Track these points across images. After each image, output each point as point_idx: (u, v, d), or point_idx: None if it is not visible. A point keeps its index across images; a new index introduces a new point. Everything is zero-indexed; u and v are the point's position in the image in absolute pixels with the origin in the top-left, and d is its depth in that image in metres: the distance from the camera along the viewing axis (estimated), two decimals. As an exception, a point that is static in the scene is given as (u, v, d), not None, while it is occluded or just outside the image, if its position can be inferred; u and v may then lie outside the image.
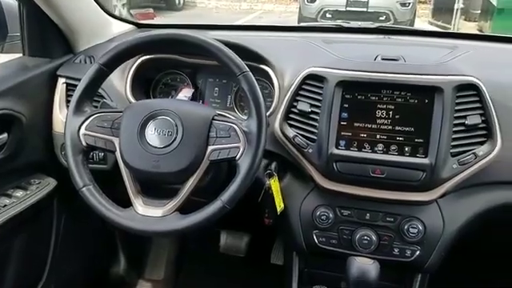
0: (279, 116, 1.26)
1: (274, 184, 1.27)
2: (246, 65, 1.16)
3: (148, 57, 1.45)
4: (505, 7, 8.14)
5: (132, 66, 1.44)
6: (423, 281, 1.29)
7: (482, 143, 1.16)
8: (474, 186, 1.21)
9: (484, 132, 1.16)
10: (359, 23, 1.73)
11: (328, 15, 8.53)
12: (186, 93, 1.52)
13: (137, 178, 1.10)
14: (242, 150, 1.07)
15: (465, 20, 10.06)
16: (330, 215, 1.27)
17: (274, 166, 1.30)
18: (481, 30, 9.31)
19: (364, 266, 1.17)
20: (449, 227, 1.22)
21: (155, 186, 1.14)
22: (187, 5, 13.48)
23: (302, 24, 1.84)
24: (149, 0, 11.99)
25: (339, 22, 1.78)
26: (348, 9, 8.28)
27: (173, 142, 1.07)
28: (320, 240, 1.28)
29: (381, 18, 8.26)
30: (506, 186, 1.21)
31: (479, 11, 9.72)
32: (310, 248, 1.29)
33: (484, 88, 1.14)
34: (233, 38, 1.34)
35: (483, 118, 1.15)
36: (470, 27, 10.02)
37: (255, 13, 13.11)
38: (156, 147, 1.08)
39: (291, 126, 1.25)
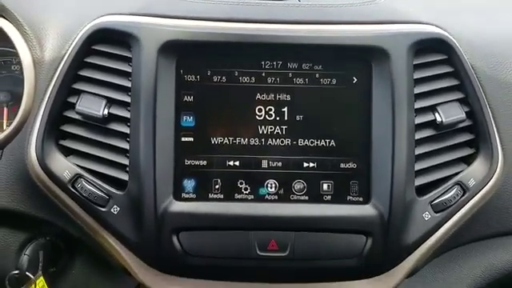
0: (36, 131, 0.65)
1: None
2: None
3: None
4: None
5: None
6: None
7: (468, 160, 0.67)
8: (461, 245, 0.72)
9: (470, 136, 0.67)
10: None
11: None
12: None
13: None
14: None
15: None
16: None
17: (26, 258, 0.68)
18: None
19: None
20: None
21: None
22: None
23: None
24: None
25: None
26: None
27: None
28: None
29: None
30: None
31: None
32: None
33: (460, 47, 0.66)
34: None
35: (467, 109, 0.66)
36: None
37: None
38: None
39: (68, 152, 0.67)
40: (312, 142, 0.63)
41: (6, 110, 0.77)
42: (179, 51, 0.62)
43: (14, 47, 0.70)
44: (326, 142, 0.63)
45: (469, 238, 0.71)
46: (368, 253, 0.61)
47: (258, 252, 0.60)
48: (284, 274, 0.64)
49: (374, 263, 0.63)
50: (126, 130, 0.62)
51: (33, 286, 0.64)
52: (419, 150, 0.63)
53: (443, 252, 0.71)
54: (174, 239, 0.61)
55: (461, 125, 0.65)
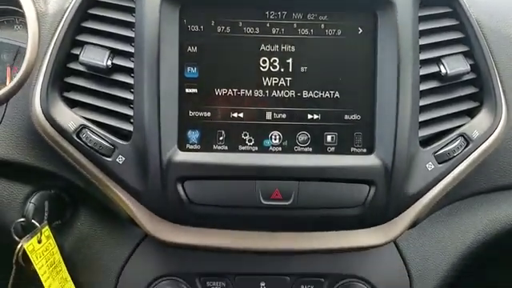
0: (40, 83, 0.65)
1: (35, 248, 0.63)
2: None
3: None
4: None
5: None
6: None
7: (472, 113, 0.67)
8: (464, 199, 0.72)
9: (474, 90, 0.66)
10: None
11: None
12: None
13: None
14: None
15: None
16: None
17: (32, 206, 0.67)
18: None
19: None
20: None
21: None
22: None
23: None
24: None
25: None
26: None
27: None
28: None
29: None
30: None
31: None
32: None
33: (464, 0, 0.66)
34: None
35: (471, 62, 0.66)
36: None
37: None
38: None
39: (72, 104, 0.66)
40: (316, 94, 0.62)
41: (8, 69, 0.77)
42: (182, 0, 0.60)
43: (17, 3, 0.68)
44: (330, 94, 0.62)
45: (471, 190, 0.70)
46: (371, 202, 0.61)
47: (262, 201, 0.60)
48: (287, 223, 0.63)
49: (376, 212, 0.63)
50: (130, 81, 0.61)
51: (38, 234, 0.63)
52: (423, 102, 0.63)
53: (445, 205, 0.71)
54: (179, 188, 0.60)
55: (465, 77, 0.65)
